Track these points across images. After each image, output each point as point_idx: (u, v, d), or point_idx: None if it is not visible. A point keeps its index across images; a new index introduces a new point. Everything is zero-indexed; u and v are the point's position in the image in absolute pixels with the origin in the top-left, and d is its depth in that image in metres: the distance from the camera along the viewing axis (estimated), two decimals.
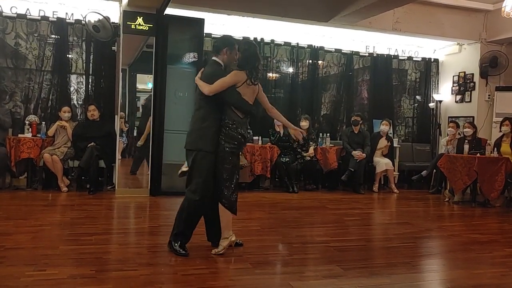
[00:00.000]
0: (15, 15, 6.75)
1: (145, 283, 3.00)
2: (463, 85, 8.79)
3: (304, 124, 7.71)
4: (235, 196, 3.65)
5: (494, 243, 4.59)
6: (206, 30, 6.99)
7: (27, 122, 6.74)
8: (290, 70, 8.43)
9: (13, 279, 2.92)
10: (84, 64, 7.14)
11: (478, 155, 6.69)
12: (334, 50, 8.59)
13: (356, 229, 5.13)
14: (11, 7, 6.75)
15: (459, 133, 7.90)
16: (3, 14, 6.70)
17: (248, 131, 3.79)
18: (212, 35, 7.70)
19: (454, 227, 5.45)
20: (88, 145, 6.48)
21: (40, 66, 6.93)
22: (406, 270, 3.56)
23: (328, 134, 8.09)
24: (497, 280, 3.38)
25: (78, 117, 7.12)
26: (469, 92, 8.67)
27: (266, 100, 3.93)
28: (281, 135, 7.67)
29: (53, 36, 6.99)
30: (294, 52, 8.36)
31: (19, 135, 6.53)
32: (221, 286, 3.02)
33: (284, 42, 8.27)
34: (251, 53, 3.68)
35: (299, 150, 7.59)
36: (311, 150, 7.60)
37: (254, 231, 4.60)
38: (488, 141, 7.21)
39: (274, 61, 8.31)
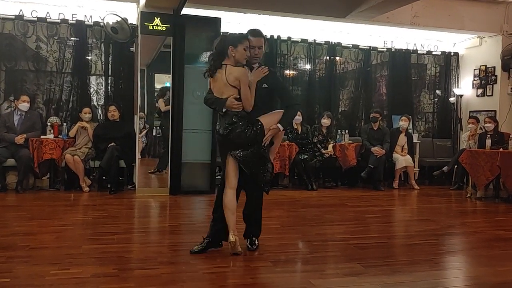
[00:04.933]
0: (36, 18, 6.87)
1: (166, 282, 3.03)
2: (484, 79, 8.63)
3: (326, 121, 7.68)
4: None
5: None
6: (223, 29, 6.99)
7: (48, 124, 6.85)
8: (308, 67, 8.40)
9: (38, 278, 2.98)
10: (103, 66, 7.23)
11: (501, 149, 6.56)
12: (351, 46, 8.52)
13: (376, 226, 5.08)
14: (32, 11, 6.86)
15: (480, 128, 7.76)
16: (24, 18, 6.83)
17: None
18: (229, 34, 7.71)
19: (477, 224, 5.35)
20: (109, 146, 6.57)
21: (60, 68, 7.05)
22: (429, 268, 3.51)
23: (346, 131, 8.04)
24: None
25: (99, 118, 7.21)
26: (491, 86, 8.50)
27: None
28: (299, 132, 7.65)
29: (72, 38, 7.09)
30: (311, 48, 8.32)
31: (41, 137, 6.64)
32: (241, 284, 3.03)
33: (301, 39, 8.23)
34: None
35: (318, 146, 7.57)
36: (330, 147, 7.56)
37: (274, 229, 4.59)
38: (511, 135, 7.07)
39: (291, 58, 8.28)
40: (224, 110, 3.46)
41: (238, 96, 3.43)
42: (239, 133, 3.44)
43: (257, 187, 3.64)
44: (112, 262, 3.34)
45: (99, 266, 3.25)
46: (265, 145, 3.53)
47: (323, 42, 8.35)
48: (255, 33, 3.59)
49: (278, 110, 3.62)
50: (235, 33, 3.80)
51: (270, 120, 3.51)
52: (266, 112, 3.57)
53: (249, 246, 3.72)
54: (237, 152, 3.49)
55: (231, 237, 3.48)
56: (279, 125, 3.52)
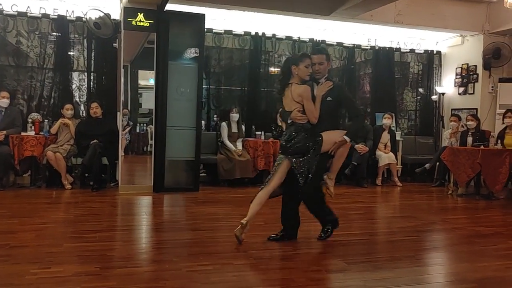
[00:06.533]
0: (16, 13, 6.74)
1: (149, 280, 3.01)
2: (466, 77, 8.74)
3: None
4: None
5: (498, 235, 4.58)
6: (207, 25, 6.98)
7: (29, 120, 6.74)
8: None
9: (17, 277, 2.93)
10: (86, 61, 7.13)
11: (482, 147, 6.66)
12: (335, 43, 8.55)
13: (359, 223, 5.13)
14: (12, 5, 6.74)
15: (462, 126, 7.86)
16: (4, 12, 6.70)
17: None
18: (213, 30, 7.70)
19: (458, 220, 5.43)
20: (91, 142, 6.48)
21: (41, 64, 6.93)
22: (410, 264, 3.55)
23: None
24: (501, 273, 3.37)
25: (81, 115, 7.12)
26: (472, 84, 8.63)
27: None
28: (283, 129, 7.65)
29: (54, 33, 6.99)
30: (296, 46, 8.31)
31: (22, 133, 6.53)
32: (225, 282, 3.02)
33: (286, 36, 8.23)
34: None
35: None
36: None
37: (258, 227, 4.58)
38: (491, 133, 7.18)
39: (276, 56, 8.28)
40: (290, 121, 3.92)
41: (302, 109, 3.82)
42: (298, 141, 3.82)
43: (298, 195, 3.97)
44: (94, 261, 3.30)
45: (81, 265, 3.21)
46: (331, 153, 3.86)
47: (308, 39, 8.36)
48: (315, 50, 4.12)
49: (341, 130, 3.96)
50: (297, 54, 4.26)
51: (332, 136, 3.84)
52: (331, 123, 3.91)
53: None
54: (294, 159, 3.83)
55: (243, 220, 3.79)
56: (345, 137, 3.83)
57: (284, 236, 4.06)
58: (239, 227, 3.77)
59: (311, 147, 3.81)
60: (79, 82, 7.21)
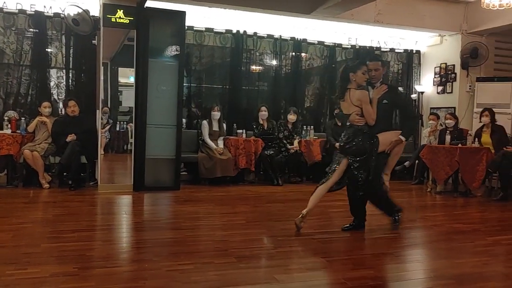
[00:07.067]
0: None
1: (129, 280, 2.97)
2: (445, 76, 8.86)
3: (292, 117, 7.74)
4: None
5: (476, 232, 4.66)
6: (188, 23, 6.92)
7: (6, 118, 6.59)
8: (274, 62, 8.40)
9: None
10: (64, 58, 7.00)
11: (460, 145, 6.77)
12: (317, 42, 8.58)
13: (340, 221, 5.11)
14: None
15: (440, 124, 7.97)
16: None
17: None
18: (194, 28, 7.65)
19: (436, 217, 5.52)
20: (69, 140, 6.37)
21: (18, 60, 6.78)
22: (390, 261, 3.60)
23: (312, 127, 8.10)
24: (479, 269, 3.43)
25: (59, 112, 6.99)
26: (451, 83, 8.75)
27: None
28: (265, 127, 7.67)
29: (31, 29, 6.82)
30: (277, 44, 8.32)
31: None
32: (205, 280, 3.00)
33: (267, 34, 8.22)
34: None
35: (284, 141, 7.60)
36: (295, 143, 7.61)
37: (238, 225, 4.59)
38: (469, 132, 7.30)
39: (257, 54, 8.26)
40: (348, 123, 4.21)
41: (360, 112, 4.11)
42: (356, 143, 4.13)
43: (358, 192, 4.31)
44: (72, 261, 3.24)
45: (59, 265, 3.16)
46: (387, 152, 4.24)
47: (289, 38, 8.36)
48: (371, 58, 4.54)
49: (396, 130, 4.34)
50: (355, 61, 4.81)
51: (387, 136, 4.20)
52: (386, 125, 4.25)
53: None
54: (352, 159, 4.16)
55: (303, 211, 4.17)
56: (401, 136, 4.24)
57: (355, 226, 4.41)
58: (299, 216, 4.15)
59: (368, 147, 4.11)
60: (57, 79, 7.07)
